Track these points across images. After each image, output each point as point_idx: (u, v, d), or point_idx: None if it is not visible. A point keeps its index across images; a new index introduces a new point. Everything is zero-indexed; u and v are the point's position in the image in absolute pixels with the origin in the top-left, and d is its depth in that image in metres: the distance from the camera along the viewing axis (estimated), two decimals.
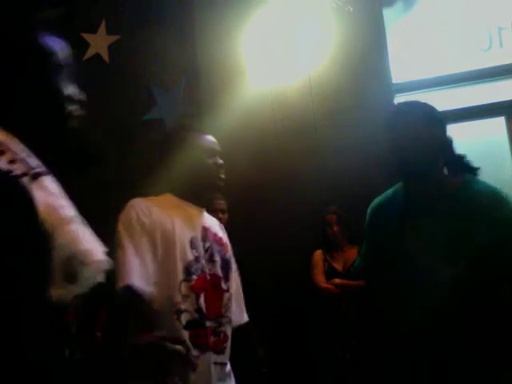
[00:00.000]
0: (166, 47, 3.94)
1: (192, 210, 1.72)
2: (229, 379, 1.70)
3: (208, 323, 1.61)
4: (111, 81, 3.94)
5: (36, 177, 0.79)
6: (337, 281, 3.32)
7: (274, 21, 3.88)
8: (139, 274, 1.52)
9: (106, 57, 4.00)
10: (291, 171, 3.75)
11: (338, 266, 3.41)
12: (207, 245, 1.68)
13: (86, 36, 4.01)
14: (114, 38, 4.01)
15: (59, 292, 0.75)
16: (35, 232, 0.72)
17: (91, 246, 0.82)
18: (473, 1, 3.93)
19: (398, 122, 1.71)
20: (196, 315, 1.58)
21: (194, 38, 4.00)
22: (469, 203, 1.56)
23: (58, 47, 0.96)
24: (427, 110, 1.69)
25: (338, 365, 3.23)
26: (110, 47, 4.01)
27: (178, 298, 1.56)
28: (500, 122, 3.85)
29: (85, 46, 3.99)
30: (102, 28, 4.01)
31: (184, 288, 1.57)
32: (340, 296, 3.29)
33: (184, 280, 1.58)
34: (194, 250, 1.63)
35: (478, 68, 3.83)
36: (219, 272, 1.69)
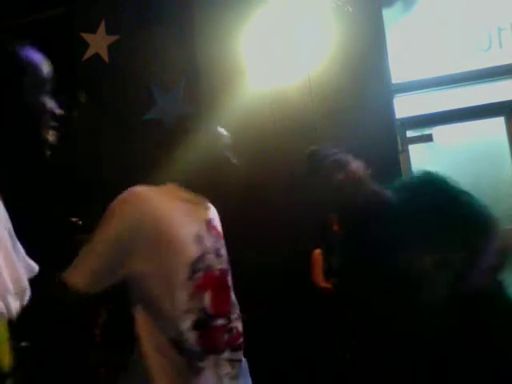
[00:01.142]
0: (166, 47, 3.94)
1: (198, 202, 1.64)
2: (245, 376, 1.65)
3: (219, 321, 1.55)
4: (111, 81, 3.94)
5: None
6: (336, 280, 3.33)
7: (274, 21, 3.88)
8: (89, 278, 1.45)
9: (105, 57, 4.00)
10: (291, 171, 3.75)
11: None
12: (212, 239, 1.60)
13: (86, 36, 4.01)
14: (114, 37, 4.01)
15: None
16: None
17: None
18: (473, 1, 3.93)
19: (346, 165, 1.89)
20: (202, 315, 1.51)
21: (193, 37, 4.00)
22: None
23: (38, 60, 0.94)
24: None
25: (337, 365, 3.23)
26: (110, 47, 4.01)
27: (183, 298, 1.48)
28: (500, 122, 3.85)
29: (84, 45, 3.99)
30: (102, 28, 4.01)
31: (189, 286, 1.49)
32: (339, 296, 3.29)
33: (188, 278, 1.50)
34: (199, 246, 1.54)
35: (477, 68, 3.83)
36: (226, 266, 1.63)
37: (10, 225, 0.90)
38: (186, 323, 1.47)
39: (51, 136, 0.94)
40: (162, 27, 3.98)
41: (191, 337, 1.47)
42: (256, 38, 3.92)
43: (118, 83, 3.96)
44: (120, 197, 1.56)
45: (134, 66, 3.98)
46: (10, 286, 0.82)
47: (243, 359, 1.65)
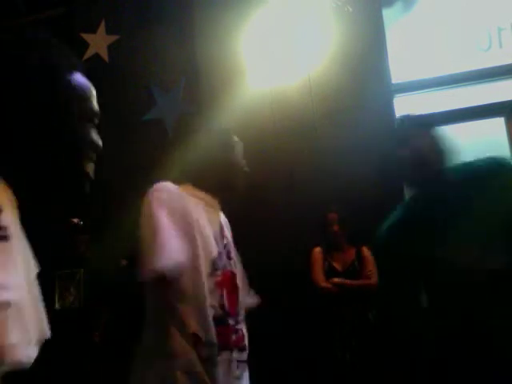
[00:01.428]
0: (166, 47, 3.94)
1: (213, 204, 1.71)
2: (245, 376, 1.69)
3: (230, 321, 1.60)
4: (111, 81, 3.93)
5: None
6: (336, 280, 3.33)
7: (274, 21, 3.88)
8: (180, 251, 1.47)
9: (105, 57, 4.01)
10: (291, 171, 3.75)
11: (338, 266, 3.41)
12: (225, 241, 1.68)
13: (86, 36, 4.01)
14: (114, 37, 4.01)
15: None
16: None
17: (16, 340, 0.73)
18: (473, 1, 3.93)
19: (412, 139, 1.75)
20: (220, 311, 1.57)
21: (193, 37, 4.00)
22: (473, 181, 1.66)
23: (91, 90, 0.90)
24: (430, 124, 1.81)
25: (338, 365, 3.23)
26: (110, 47, 4.02)
27: (206, 292, 1.53)
28: (500, 122, 3.85)
29: (84, 45, 3.99)
30: (102, 28, 4.02)
31: (210, 282, 1.55)
32: (339, 296, 3.29)
33: (210, 274, 1.56)
34: (217, 246, 1.61)
35: (477, 68, 3.83)
36: (235, 270, 1.70)
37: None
38: (210, 315, 1.53)
39: (90, 169, 0.91)
40: (162, 27, 3.98)
41: (212, 329, 1.52)
42: (256, 38, 3.92)
43: (118, 83, 3.96)
44: (152, 190, 1.57)
45: (133, 65, 3.98)
46: (35, 334, 0.79)
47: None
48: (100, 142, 0.93)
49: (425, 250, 1.66)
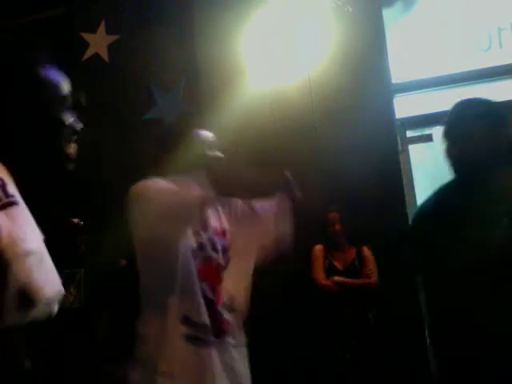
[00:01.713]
0: (166, 47, 3.94)
1: None
2: (239, 359, 1.76)
3: (215, 307, 1.69)
4: (111, 81, 3.94)
5: (6, 206, 0.82)
6: (336, 278, 3.33)
7: (274, 21, 3.87)
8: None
9: (105, 57, 4.01)
10: (291, 171, 3.74)
11: (339, 265, 3.42)
12: (207, 235, 1.75)
13: (86, 36, 4.01)
14: (114, 37, 4.01)
15: (12, 317, 0.80)
16: None
17: (44, 281, 0.84)
18: (473, 1, 3.93)
19: (475, 124, 1.78)
20: (206, 297, 1.66)
21: (193, 37, 4.00)
22: None
23: (60, 78, 1.02)
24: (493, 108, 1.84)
25: (338, 365, 3.23)
26: (110, 47, 4.02)
27: (195, 277, 1.64)
28: None
29: (84, 45, 3.99)
30: (102, 28, 4.02)
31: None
32: (339, 295, 3.29)
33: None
34: (197, 237, 1.69)
35: (477, 68, 3.83)
36: (222, 262, 1.76)
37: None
38: (200, 298, 1.63)
39: (72, 149, 1.01)
40: (162, 27, 3.98)
41: (204, 312, 1.62)
42: (256, 38, 3.92)
43: (118, 83, 3.96)
44: (137, 184, 1.67)
45: (134, 65, 3.98)
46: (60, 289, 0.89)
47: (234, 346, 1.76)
48: (79, 124, 1.03)
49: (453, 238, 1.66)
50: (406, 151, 3.86)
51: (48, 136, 0.97)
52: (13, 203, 0.83)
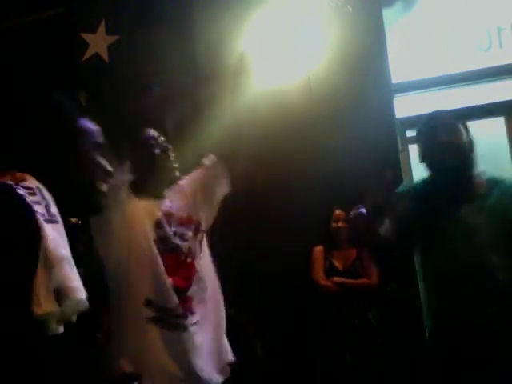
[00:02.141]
0: (166, 47, 3.94)
1: (155, 194, 1.88)
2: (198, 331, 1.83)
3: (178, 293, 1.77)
4: (111, 81, 3.94)
5: (49, 222, 1.00)
6: (336, 279, 3.33)
7: (274, 21, 3.87)
8: None
9: (105, 57, 4.00)
10: (291, 171, 3.75)
11: (339, 265, 3.42)
12: (173, 229, 1.84)
13: (86, 36, 4.01)
14: (114, 37, 4.01)
15: (44, 310, 0.92)
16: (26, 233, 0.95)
17: (76, 284, 1.01)
18: (473, 1, 3.93)
19: (445, 128, 1.91)
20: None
21: (193, 38, 4.00)
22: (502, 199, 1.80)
23: (93, 127, 1.22)
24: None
25: (338, 365, 3.23)
26: (110, 47, 4.01)
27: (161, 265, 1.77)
28: (500, 122, 3.84)
29: (84, 45, 3.99)
30: (102, 28, 4.01)
31: None
32: (340, 295, 3.29)
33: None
34: (160, 230, 1.80)
35: (477, 68, 3.83)
36: (194, 247, 1.86)
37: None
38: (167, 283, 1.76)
39: (103, 187, 1.19)
40: (162, 27, 3.97)
41: (167, 296, 1.73)
42: (256, 38, 3.92)
43: (118, 83, 3.96)
44: None
45: (134, 66, 3.98)
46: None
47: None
48: (109, 167, 1.21)
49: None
50: (406, 151, 3.85)
51: (86, 175, 1.16)
52: (53, 221, 1.01)
